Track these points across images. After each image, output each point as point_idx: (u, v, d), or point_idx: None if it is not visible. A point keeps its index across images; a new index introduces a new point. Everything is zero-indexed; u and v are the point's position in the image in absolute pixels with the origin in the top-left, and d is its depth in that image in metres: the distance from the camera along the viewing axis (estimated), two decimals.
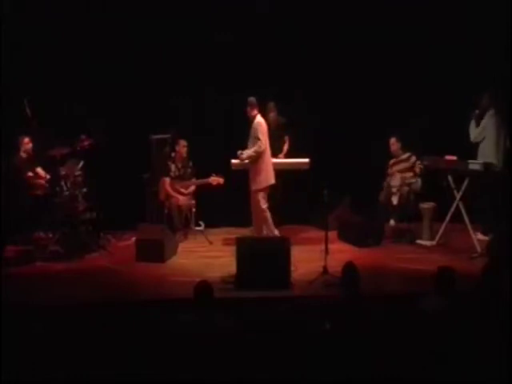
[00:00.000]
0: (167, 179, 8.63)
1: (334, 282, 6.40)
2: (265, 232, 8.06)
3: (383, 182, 8.73)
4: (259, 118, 8.01)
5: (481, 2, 8.64)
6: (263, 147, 7.94)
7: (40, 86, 8.47)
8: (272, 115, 8.69)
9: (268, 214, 8.00)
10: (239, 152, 8.06)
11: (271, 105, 8.70)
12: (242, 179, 8.27)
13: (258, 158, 7.95)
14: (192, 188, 8.72)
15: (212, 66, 9.01)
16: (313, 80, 9.02)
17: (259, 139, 7.90)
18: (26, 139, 8.16)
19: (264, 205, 7.97)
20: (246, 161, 8.03)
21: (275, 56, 8.96)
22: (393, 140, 8.67)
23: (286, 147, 8.91)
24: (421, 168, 8.40)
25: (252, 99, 8.00)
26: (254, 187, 7.99)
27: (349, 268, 5.30)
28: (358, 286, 5.21)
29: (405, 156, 8.66)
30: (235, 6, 8.90)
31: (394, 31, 9.03)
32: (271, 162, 8.11)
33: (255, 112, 8.01)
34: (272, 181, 8.05)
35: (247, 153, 7.98)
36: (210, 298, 4.89)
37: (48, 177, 8.22)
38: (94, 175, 8.32)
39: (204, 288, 4.91)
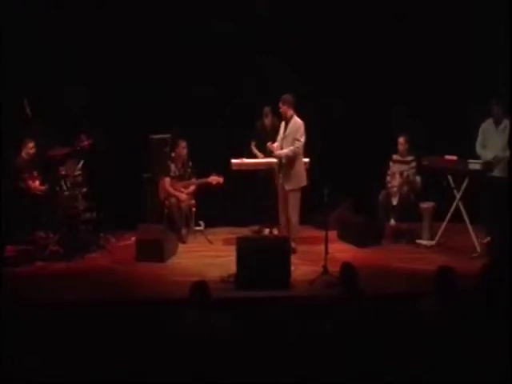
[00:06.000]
0: (167, 179, 8.62)
1: (334, 282, 6.40)
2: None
3: (384, 179, 8.69)
4: (298, 119, 7.83)
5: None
6: (301, 149, 7.83)
7: (40, 85, 8.47)
8: (268, 120, 8.66)
9: (296, 216, 7.89)
10: (270, 143, 7.93)
11: (267, 109, 8.65)
12: (242, 179, 8.27)
13: (295, 158, 7.81)
14: (192, 188, 8.71)
15: (212, 66, 9.01)
16: (312, 80, 9.01)
17: (299, 140, 7.75)
18: (31, 144, 8.08)
19: (296, 205, 7.87)
20: (283, 159, 7.80)
21: (275, 57, 8.95)
22: (402, 139, 8.56)
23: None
24: (408, 175, 8.40)
25: (287, 96, 7.78)
26: (289, 187, 7.85)
27: (347, 268, 5.32)
28: (356, 285, 5.22)
29: (408, 158, 8.59)
30: (235, 7, 8.92)
31: (394, 31, 9.04)
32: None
33: (291, 111, 7.79)
34: (305, 182, 7.93)
35: (285, 152, 7.76)
36: (207, 298, 4.88)
37: (43, 188, 8.11)
38: (94, 175, 8.32)
39: (201, 287, 4.90)
